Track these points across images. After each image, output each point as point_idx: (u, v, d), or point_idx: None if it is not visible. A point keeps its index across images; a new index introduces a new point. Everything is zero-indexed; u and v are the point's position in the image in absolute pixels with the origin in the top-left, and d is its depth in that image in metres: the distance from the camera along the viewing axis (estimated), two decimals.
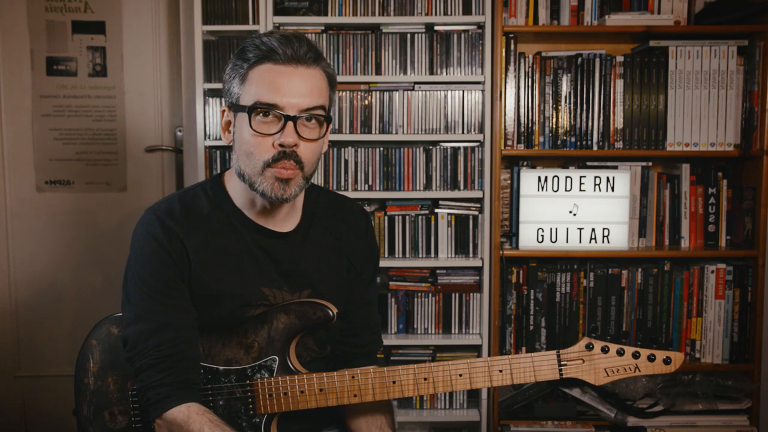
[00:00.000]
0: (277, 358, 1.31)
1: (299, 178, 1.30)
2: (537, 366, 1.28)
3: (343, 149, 2.48)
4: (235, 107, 1.31)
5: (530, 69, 2.44)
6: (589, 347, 1.29)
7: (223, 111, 1.36)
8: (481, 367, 1.28)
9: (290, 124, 1.26)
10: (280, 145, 1.26)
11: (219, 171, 2.29)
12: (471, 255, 2.51)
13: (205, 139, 2.47)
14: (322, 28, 2.48)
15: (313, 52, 1.30)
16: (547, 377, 1.29)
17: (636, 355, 1.28)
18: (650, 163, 2.50)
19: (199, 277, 1.33)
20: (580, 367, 1.29)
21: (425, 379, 1.29)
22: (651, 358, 1.28)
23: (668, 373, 1.30)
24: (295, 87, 1.27)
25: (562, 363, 1.29)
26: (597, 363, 1.29)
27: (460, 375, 1.28)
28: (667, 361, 1.28)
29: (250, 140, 1.28)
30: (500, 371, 1.28)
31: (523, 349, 2.50)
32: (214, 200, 1.38)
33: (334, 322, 1.34)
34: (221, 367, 1.32)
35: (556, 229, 2.44)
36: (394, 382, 1.29)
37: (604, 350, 1.29)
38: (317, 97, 1.30)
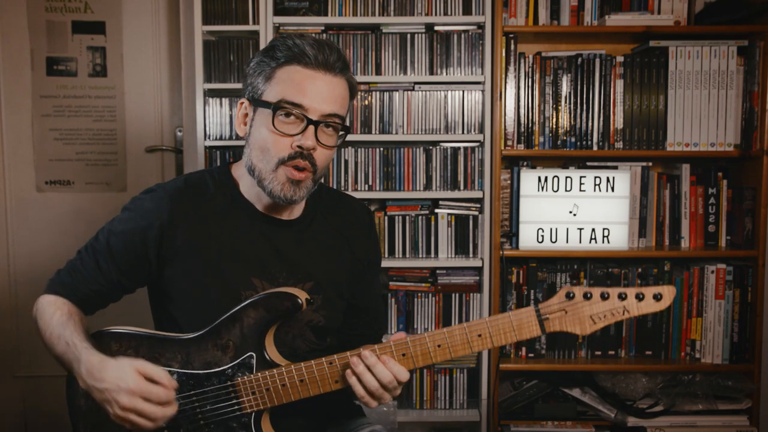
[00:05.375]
0: (254, 354, 1.29)
1: (309, 180, 1.32)
2: (516, 324, 1.21)
3: (343, 149, 2.48)
4: (257, 102, 1.33)
5: (530, 69, 2.44)
6: (570, 296, 1.20)
7: (242, 103, 1.37)
8: (459, 334, 1.23)
9: (311, 128, 1.29)
10: (299, 147, 1.28)
11: None
12: (471, 255, 2.50)
13: (205, 139, 2.47)
14: (322, 28, 2.47)
15: (342, 62, 1.32)
16: (529, 334, 1.21)
17: (622, 296, 1.18)
18: (650, 164, 2.50)
19: (185, 260, 1.34)
20: (563, 318, 1.21)
21: (404, 355, 1.24)
22: (639, 297, 1.17)
23: (661, 310, 1.17)
24: (320, 92, 1.29)
25: (543, 317, 1.21)
26: (581, 311, 1.19)
27: (439, 346, 1.24)
28: (657, 297, 1.17)
29: (269, 137, 1.29)
30: (479, 336, 1.22)
31: (524, 349, 2.50)
32: (220, 183, 1.40)
33: (304, 309, 1.31)
34: (201, 372, 1.30)
35: (556, 229, 2.44)
36: None
37: (587, 297, 1.19)
38: (339, 105, 1.32)
